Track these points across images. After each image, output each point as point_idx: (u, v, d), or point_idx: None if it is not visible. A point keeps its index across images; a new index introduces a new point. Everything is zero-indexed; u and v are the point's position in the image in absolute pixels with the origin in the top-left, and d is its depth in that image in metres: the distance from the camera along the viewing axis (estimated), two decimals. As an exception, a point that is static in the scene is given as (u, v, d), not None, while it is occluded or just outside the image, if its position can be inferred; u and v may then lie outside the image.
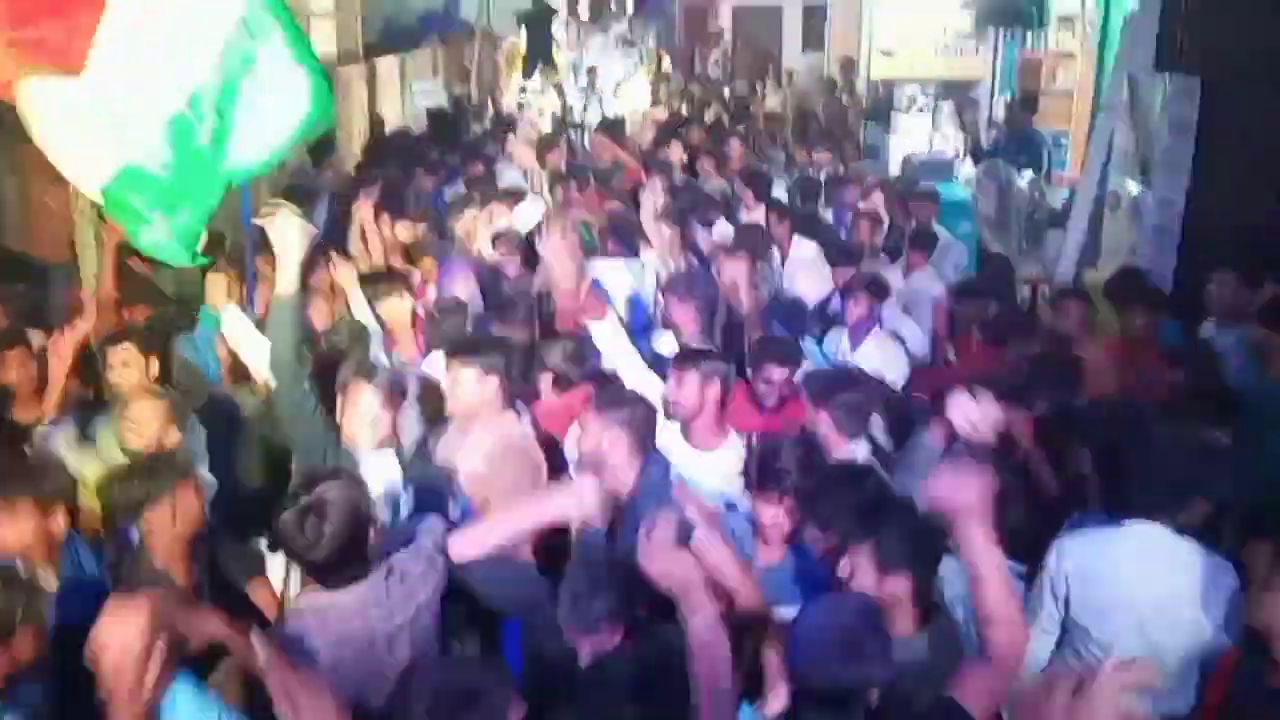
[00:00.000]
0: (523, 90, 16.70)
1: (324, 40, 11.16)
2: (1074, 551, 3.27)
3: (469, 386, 3.89)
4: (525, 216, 6.89)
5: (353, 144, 11.47)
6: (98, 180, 3.67)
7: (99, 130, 3.59)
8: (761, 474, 3.41)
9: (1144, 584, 3.15)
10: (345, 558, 2.76)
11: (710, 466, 3.94)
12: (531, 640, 3.31)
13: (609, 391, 3.87)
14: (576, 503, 3.03)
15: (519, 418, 4.06)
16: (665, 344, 5.00)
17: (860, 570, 2.82)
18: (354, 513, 2.75)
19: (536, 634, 3.23)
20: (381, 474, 3.75)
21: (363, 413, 3.79)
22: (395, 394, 3.90)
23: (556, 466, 4.06)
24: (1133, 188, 7.78)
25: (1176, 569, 3.15)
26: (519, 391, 4.20)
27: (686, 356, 4.11)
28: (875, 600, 2.67)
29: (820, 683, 2.38)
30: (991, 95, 12.90)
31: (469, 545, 3.04)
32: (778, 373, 4.42)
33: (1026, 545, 3.32)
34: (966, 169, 11.56)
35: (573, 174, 8.33)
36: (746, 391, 4.49)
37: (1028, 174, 9.57)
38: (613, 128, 12.25)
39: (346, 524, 2.72)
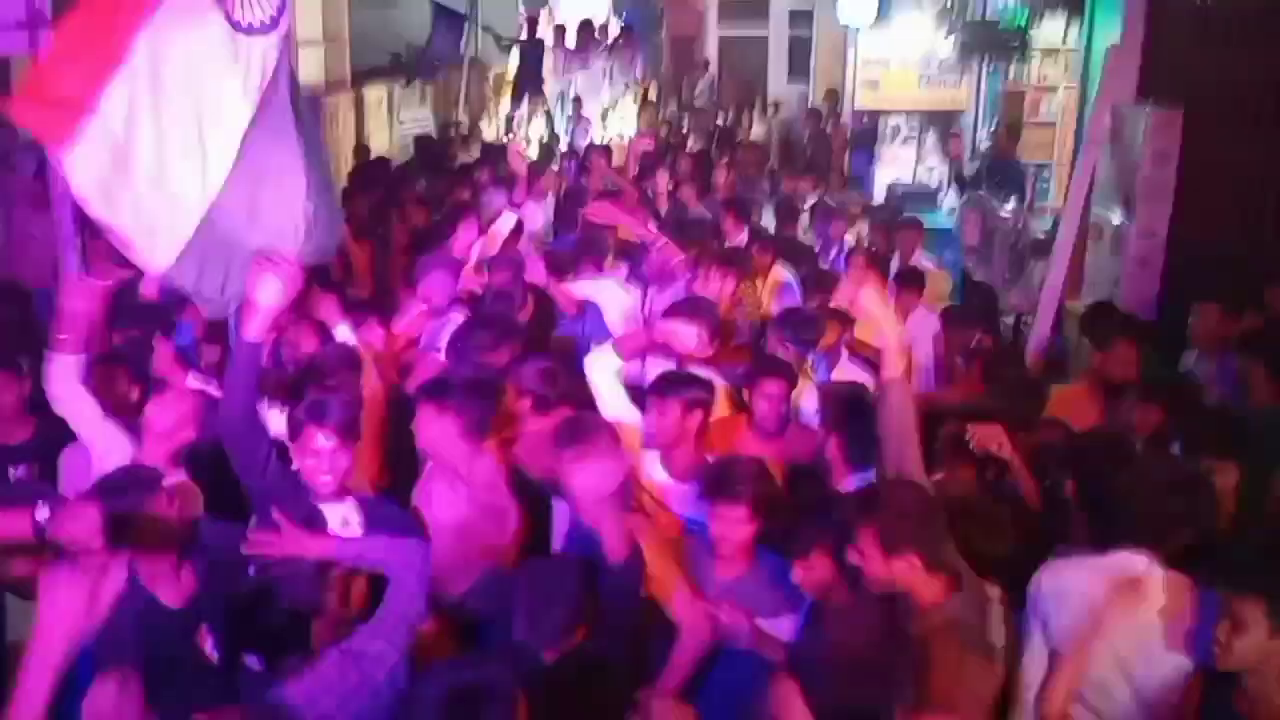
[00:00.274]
0: (510, 118, 16.76)
1: (313, 68, 11.18)
2: (1054, 579, 3.25)
3: (433, 428, 3.77)
4: (501, 226, 6.99)
5: (340, 173, 11.48)
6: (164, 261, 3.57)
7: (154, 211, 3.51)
8: (722, 482, 3.43)
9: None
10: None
11: (689, 497, 3.88)
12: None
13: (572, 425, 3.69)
14: None
15: (490, 461, 3.91)
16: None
17: (868, 558, 2.89)
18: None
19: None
20: (343, 525, 3.49)
21: (316, 459, 3.50)
22: (349, 437, 3.55)
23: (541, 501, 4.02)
24: (1115, 218, 7.82)
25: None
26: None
27: (668, 382, 4.04)
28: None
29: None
30: (975, 126, 12.99)
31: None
32: (774, 387, 4.39)
33: (1016, 573, 3.31)
34: (950, 199, 11.64)
35: (569, 197, 8.36)
36: (747, 419, 4.46)
37: (1011, 204, 9.63)
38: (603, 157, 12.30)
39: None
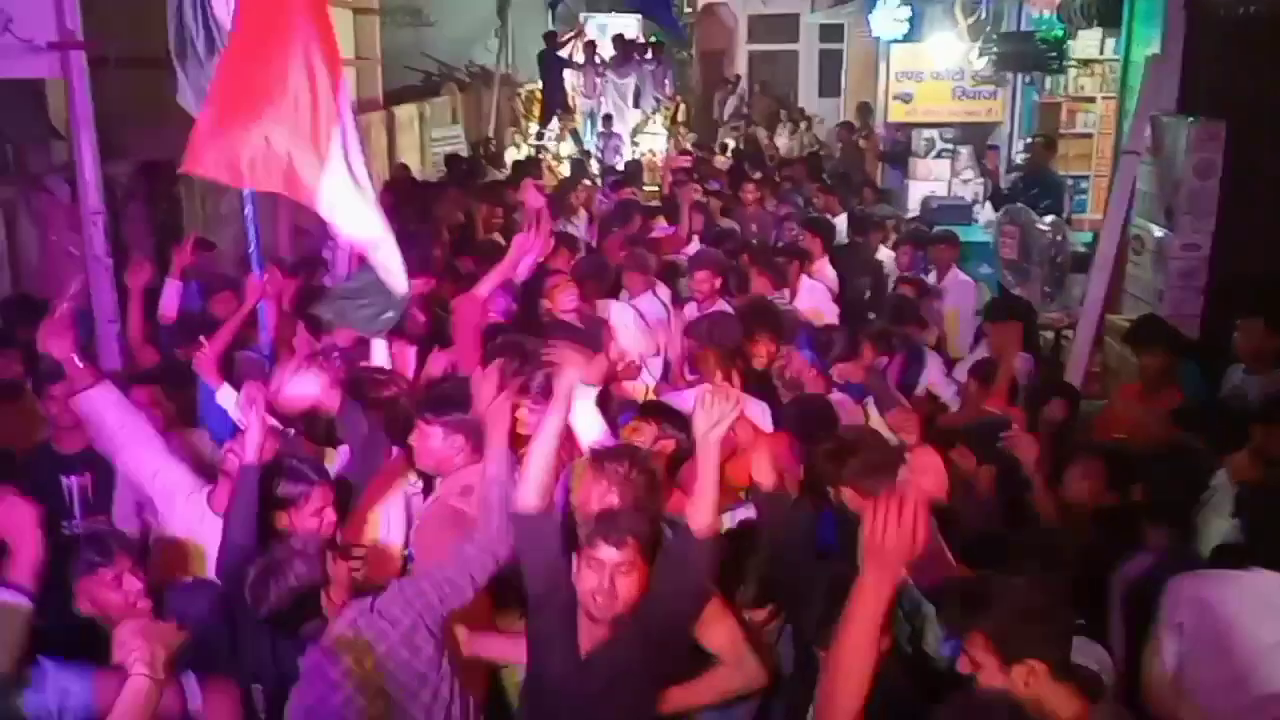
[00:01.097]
0: (540, 136, 16.81)
1: (343, 88, 11.23)
2: (1196, 590, 3.28)
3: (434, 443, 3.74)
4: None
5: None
6: None
7: None
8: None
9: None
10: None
11: None
12: None
13: None
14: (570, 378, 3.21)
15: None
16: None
17: (983, 667, 2.49)
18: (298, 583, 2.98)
19: None
20: None
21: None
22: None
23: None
24: (1157, 231, 7.69)
25: None
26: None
27: (652, 409, 4.06)
28: None
29: None
30: (1010, 139, 12.85)
31: (529, 494, 3.02)
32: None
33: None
34: (986, 213, 11.51)
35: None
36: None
37: (1049, 217, 9.49)
38: (630, 173, 12.31)
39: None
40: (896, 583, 2.39)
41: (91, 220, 5.09)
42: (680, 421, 3.81)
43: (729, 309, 6.17)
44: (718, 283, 6.36)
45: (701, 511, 2.93)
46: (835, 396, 4.92)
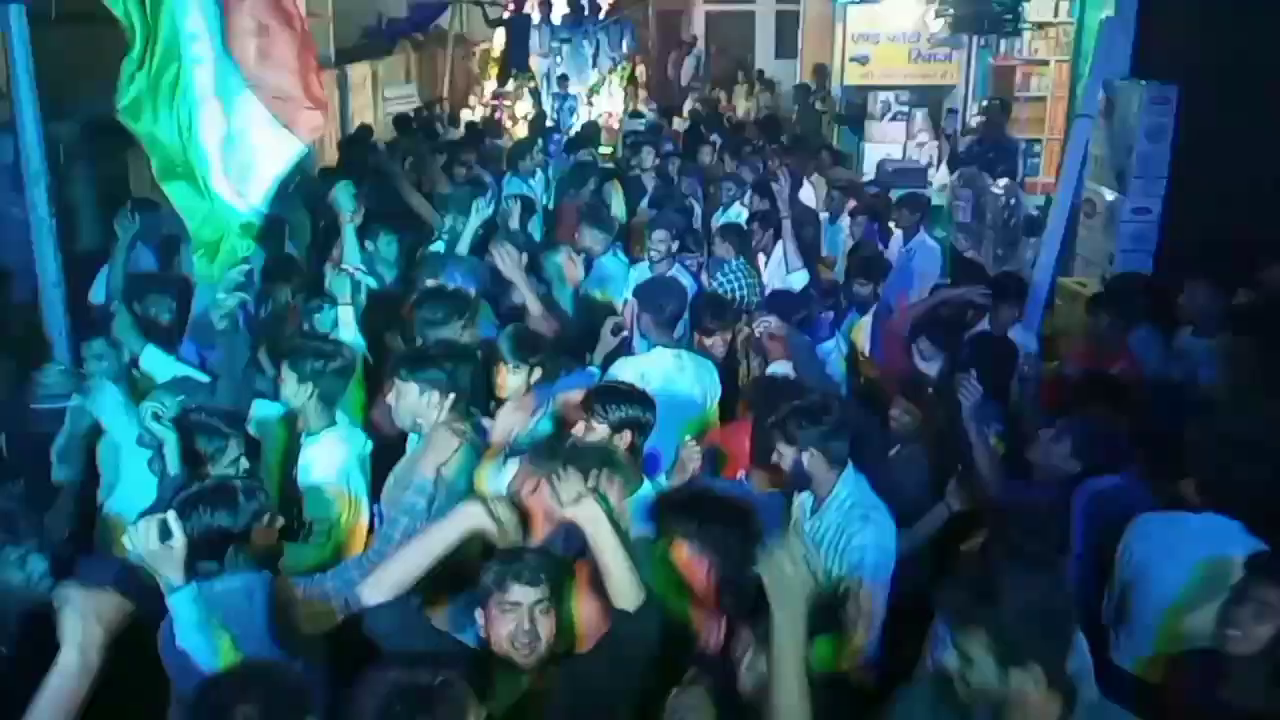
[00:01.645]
0: (496, 95, 16.59)
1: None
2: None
3: (410, 400, 3.75)
4: None
5: (327, 151, 11.32)
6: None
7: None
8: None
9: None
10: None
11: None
12: None
13: None
14: (474, 514, 2.87)
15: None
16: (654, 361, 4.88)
17: (977, 664, 2.41)
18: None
19: None
20: None
21: None
22: None
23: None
24: (1109, 195, 7.76)
25: None
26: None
27: (600, 396, 3.75)
28: None
29: None
30: (965, 102, 12.89)
31: (378, 587, 2.81)
32: None
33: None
34: (940, 176, 11.55)
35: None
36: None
37: (1003, 181, 9.54)
38: (586, 135, 12.20)
39: None
40: (804, 616, 2.41)
41: (34, 181, 4.94)
42: (635, 405, 3.72)
43: (685, 272, 6.21)
44: (674, 245, 6.35)
45: (617, 591, 2.75)
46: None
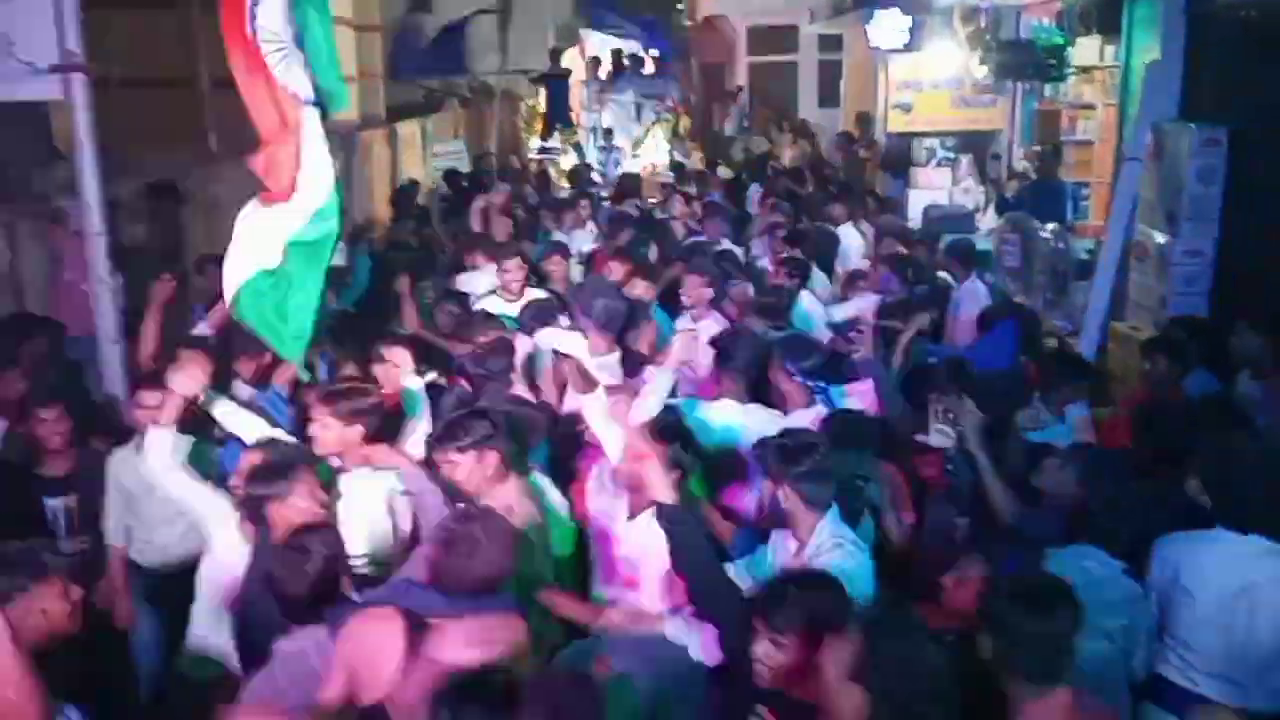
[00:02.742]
0: (542, 150, 16.80)
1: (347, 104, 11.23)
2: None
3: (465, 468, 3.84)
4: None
5: (376, 206, 11.51)
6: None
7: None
8: None
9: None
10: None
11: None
12: None
13: None
14: None
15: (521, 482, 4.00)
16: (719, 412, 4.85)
17: None
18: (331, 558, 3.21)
19: None
20: None
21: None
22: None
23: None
24: (1159, 237, 7.65)
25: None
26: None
27: (454, 428, 3.88)
28: None
29: None
30: (1010, 147, 12.83)
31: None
32: None
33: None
34: (987, 220, 11.48)
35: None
36: None
37: (1051, 225, 9.46)
38: (626, 186, 12.29)
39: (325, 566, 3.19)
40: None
41: (94, 241, 5.05)
42: (479, 425, 3.87)
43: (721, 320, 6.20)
44: (708, 293, 6.32)
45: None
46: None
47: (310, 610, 3.14)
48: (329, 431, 4.12)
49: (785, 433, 3.91)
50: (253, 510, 3.66)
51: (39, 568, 3.00)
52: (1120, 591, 3.47)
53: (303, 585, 3.15)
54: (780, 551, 3.71)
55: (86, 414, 4.84)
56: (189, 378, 4.10)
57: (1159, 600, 3.58)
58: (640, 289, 6.49)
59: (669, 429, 3.95)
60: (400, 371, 4.85)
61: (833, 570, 3.25)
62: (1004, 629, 2.72)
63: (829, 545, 3.53)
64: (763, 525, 4.05)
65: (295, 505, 3.59)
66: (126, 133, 6.95)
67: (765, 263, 8.27)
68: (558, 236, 8.91)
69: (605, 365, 5.04)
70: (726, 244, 8.72)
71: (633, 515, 3.87)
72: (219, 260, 5.95)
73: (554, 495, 4.30)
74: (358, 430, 4.12)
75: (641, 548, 3.81)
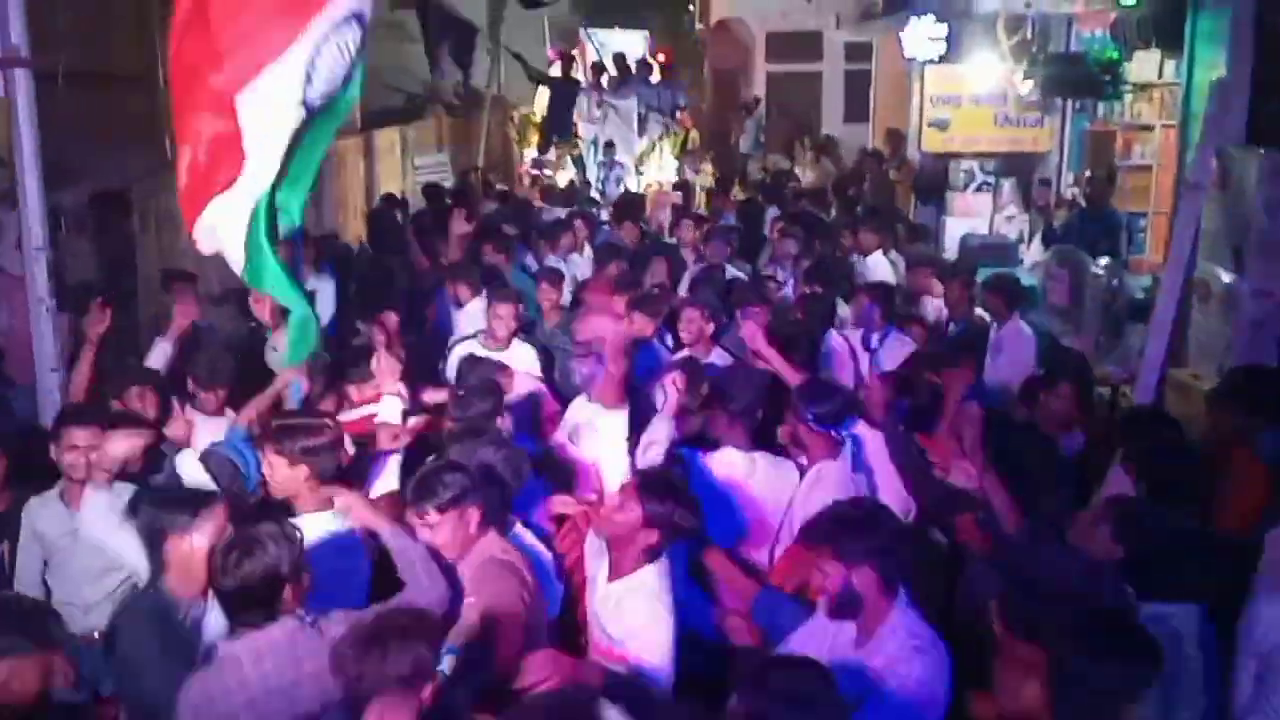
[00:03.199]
0: (537, 164, 16.90)
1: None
2: None
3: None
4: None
5: (349, 222, 11.58)
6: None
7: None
8: None
9: None
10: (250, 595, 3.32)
11: None
12: None
13: None
14: None
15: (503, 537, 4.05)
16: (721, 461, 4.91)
17: None
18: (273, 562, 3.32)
19: None
20: None
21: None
22: None
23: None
24: (1225, 276, 7.68)
25: None
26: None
27: (428, 485, 3.90)
28: None
29: None
30: (1059, 172, 12.91)
31: None
32: None
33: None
34: (1033, 253, 11.52)
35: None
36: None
37: (1104, 260, 9.50)
38: (630, 206, 12.37)
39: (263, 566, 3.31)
40: None
41: (34, 257, 5.08)
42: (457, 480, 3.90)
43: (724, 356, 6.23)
44: (709, 328, 6.37)
45: None
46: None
47: (245, 610, 3.33)
48: (274, 471, 4.19)
49: (843, 504, 3.83)
50: (150, 541, 3.69)
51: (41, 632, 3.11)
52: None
53: (236, 579, 3.29)
54: (831, 642, 3.59)
55: (24, 450, 4.79)
56: (126, 442, 4.19)
57: (1260, 665, 3.58)
58: (639, 324, 6.52)
59: (660, 484, 3.91)
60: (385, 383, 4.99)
61: (913, 686, 3.31)
62: None
63: (906, 649, 3.41)
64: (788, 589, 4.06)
65: (197, 544, 3.59)
66: (71, 135, 7.00)
67: (789, 290, 8.33)
68: (551, 262, 8.96)
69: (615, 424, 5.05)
70: (734, 270, 8.80)
71: (614, 576, 3.86)
72: (188, 277, 6.02)
73: (540, 551, 4.31)
74: (302, 471, 4.16)
75: (620, 618, 3.76)
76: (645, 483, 3.89)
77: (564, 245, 9.58)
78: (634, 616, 3.70)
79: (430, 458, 4.50)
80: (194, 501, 3.75)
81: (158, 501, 3.85)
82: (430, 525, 3.83)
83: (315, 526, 4.08)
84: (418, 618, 3.23)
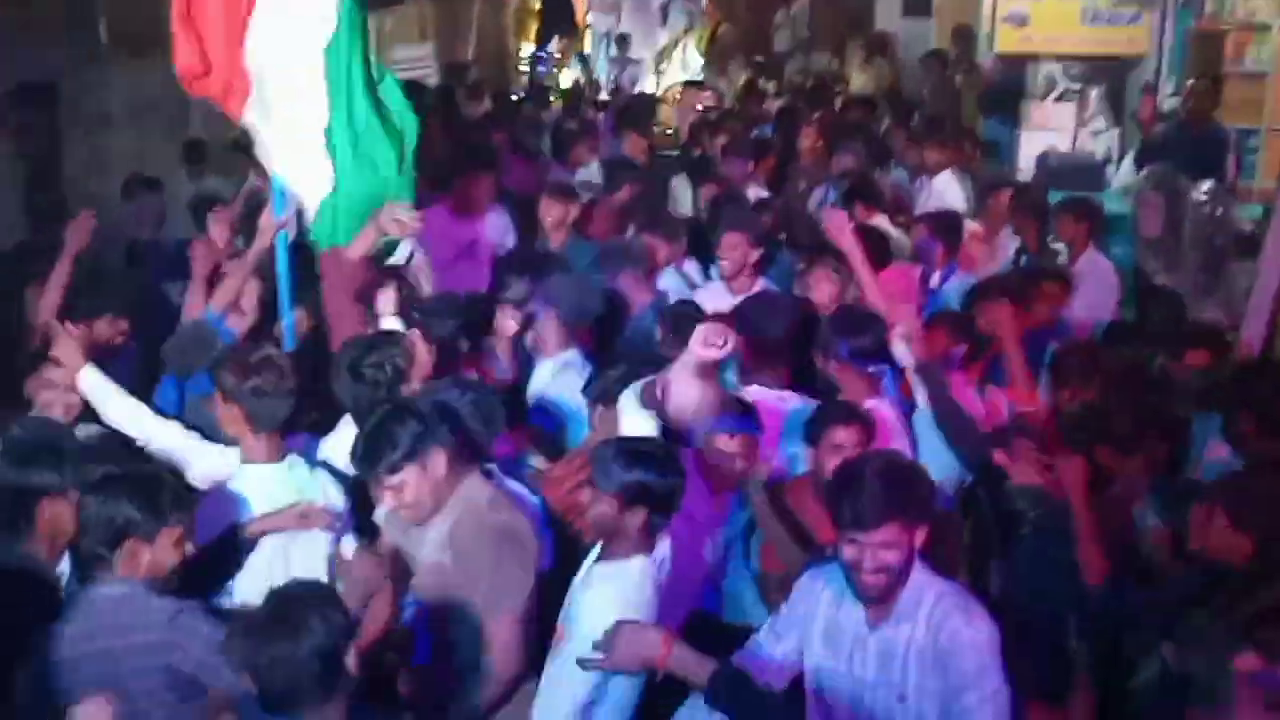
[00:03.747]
0: (535, 61, 16.78)
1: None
2: None
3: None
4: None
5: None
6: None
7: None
8: None
9: None
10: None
11: None
12: None
13: None
14: None
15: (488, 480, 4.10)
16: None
17: None
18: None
19: None
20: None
21: None
22: None
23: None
24: (1353, 205, 7.61)
25: None
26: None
27: (377, 444, 3.93)
28: None
29: None
30: (1157, 78, 12.76)
31: None
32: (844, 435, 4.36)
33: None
34: (1123, 175, 11.42)
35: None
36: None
37: (1206, 184, 9.41)
38: (636, 110, 12.23)
39: None
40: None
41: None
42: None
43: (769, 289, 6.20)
44: (753, 256, 6.31)
45: None
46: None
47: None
48: (220, 408, 4.36)
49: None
50: (106, 538, 3.62)
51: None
52: None
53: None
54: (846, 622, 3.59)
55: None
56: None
57: None
58: (663, 253, 6.50)
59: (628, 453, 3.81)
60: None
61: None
62: None
63: (948, 606, 3.45)
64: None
65: (159, 551, 3.61)
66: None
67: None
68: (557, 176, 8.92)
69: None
70: (756, 190, 8.73)
71: (603, 556, 3.85)
72: (150, 184, 6.26)
73: (524, 495, 4.38)
74: (235, 411, 4.25)
75: (584, 604, 3.78)
76: (609, 455, 3.76)
77: (577, 157, 9.49)
78: (588, 609, 3.69)
79: None
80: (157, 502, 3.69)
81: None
82: (395, 488, 3.83)
83: (254, 480, 4.20)
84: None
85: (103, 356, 4.94)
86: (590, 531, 3.90)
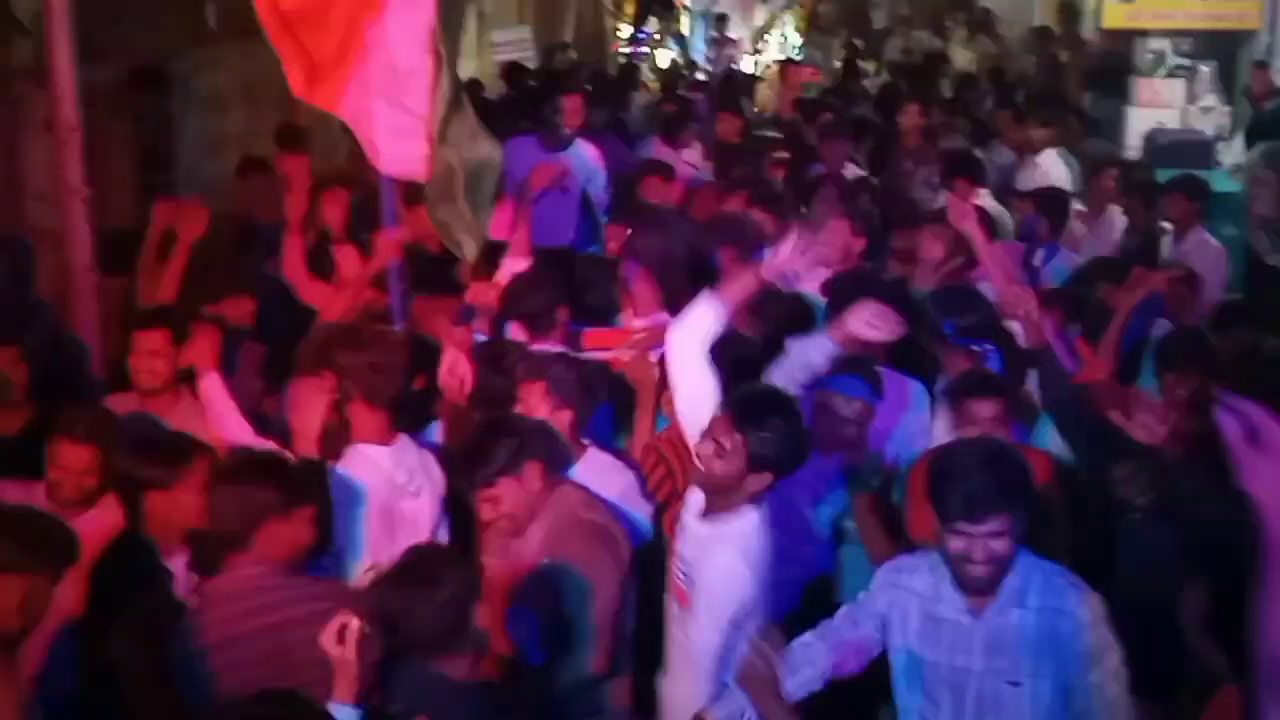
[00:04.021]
0: (634, 40, 16.82)
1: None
2: None
3: None
4: None
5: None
6: None
7: None
8: None
9: None
10: None
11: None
12: None
13: None
14: None
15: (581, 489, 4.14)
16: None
17: None
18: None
19: None
20: None
21: None
22: None
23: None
24: None
25: None
26: None
27: (475, 460, 3.98)
28: None
29: None
30: (1271, 53, 12.51)
31: None
32: (988, 409, 4.28)
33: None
34: (1235, 152, 11.24)
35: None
36: None
37: (1325, 162, 9.26)
38: (731, 89, 12.20)
39: None
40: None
41: (65, 140, 5.19)
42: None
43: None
44: (858, 246, 6.29)
45: None
46: None
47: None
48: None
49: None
50: (125, 494, 3.84)
51: None
52: None
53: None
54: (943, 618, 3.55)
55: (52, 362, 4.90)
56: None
57: None
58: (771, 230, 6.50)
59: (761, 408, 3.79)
60: None
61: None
62: None
63: (1057, 588, 3.43)
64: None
65: (180, 501, 3.77)
66: (104, 4, 7.13)
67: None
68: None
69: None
70: (854, 170, 8.68)
71: (707, 512, 3.84)
72: (264, 166, 6.23)
73: (621, 470, 4.47)
74: (349, 388, 4.27)
75: (700, 564, 3.77)
76: (742, 412, 3.73)
77: (685, 140, 9.50)
78: (712, 570, 3.68)
79: None
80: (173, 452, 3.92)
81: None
82: (493, 500, 3.89)
83: (365, 460, 4.23)
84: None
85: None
86: (702, 484, 3.84)
